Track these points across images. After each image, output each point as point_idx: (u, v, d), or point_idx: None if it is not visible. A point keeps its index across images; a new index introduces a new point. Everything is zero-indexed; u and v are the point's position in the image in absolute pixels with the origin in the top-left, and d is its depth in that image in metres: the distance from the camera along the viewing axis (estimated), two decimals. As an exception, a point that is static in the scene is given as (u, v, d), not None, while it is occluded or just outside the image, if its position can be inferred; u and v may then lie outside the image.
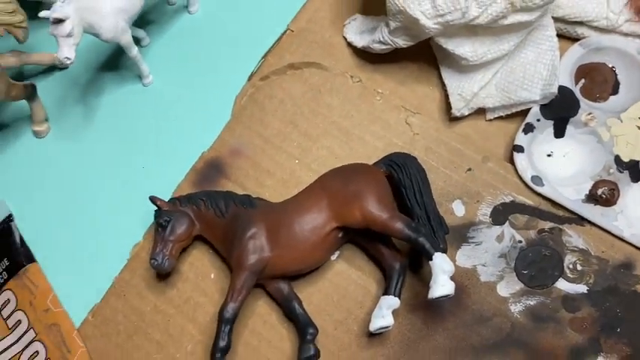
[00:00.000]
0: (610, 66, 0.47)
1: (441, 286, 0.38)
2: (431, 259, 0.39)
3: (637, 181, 0.44)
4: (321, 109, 0.50)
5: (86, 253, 0.50)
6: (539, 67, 0.45)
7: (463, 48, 0.45)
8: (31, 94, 0.52)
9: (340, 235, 0.43)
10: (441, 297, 0.38)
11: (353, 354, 0.44)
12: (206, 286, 0.47)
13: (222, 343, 0.41)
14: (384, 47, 0.48)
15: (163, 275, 0.48)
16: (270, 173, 0.49)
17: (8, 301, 0.50)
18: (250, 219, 0.44)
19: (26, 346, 0.48)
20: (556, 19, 0.47)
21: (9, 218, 0.53)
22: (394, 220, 0.40)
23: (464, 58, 0.45)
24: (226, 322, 0.41)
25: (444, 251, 0.40)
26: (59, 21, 0.43)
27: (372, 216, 0.41)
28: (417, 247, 0.40)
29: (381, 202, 0.41)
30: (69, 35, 0.44)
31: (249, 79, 0.53)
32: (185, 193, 0.48)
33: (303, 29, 0.53)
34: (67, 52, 0.44)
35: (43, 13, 0.44)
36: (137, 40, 0.55)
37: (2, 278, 0.50)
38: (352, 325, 0.45)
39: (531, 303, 0.43)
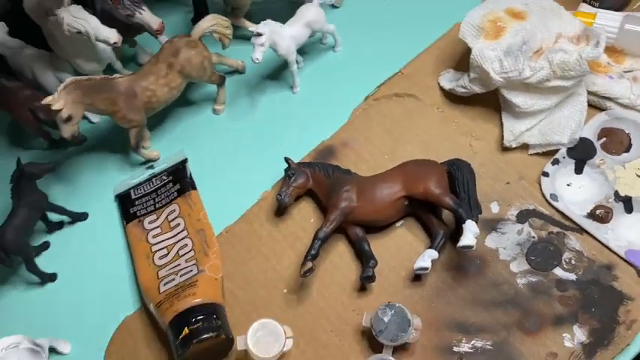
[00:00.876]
0: (627, 132, 0.64)
1: (467, 239, 0.56)
2: (464, 222, 0.57)
3: (629, 212, 0.60)
4: (411, 126, 0.71)
5: (229, 191, 0.73)
6: (570, 121, 0.63)
7: (518, 98, 0.64)
8: (221, 82, 0.77)
9: (405, 203, 0.62)
10: (466, 246, 0.56)
11: (398, 290, 0.62)
12: (306, 226, 0.67)
13: (312, 252, 0.61)
14: (464, 91, 0.68)
15: (280, 212, 0.69)
16: (366, 161, 0.70)
17: (174, 210, 0.72)
18: (347, 181, 0.64)
19: (179, 240, 0.69)
20: (591, 93, 0.65)
21: (185, 161, 0.76)
22: (445, 195, 0.59)
23: (517, 106, 0.64)
24: (318, 239, 0.61)
25: (475, 221, 0.58)
26: (259, 35, 0.68)
27: (431, 190, 0.60)
28: (457, 215, 0.58)
29: (438, 183, 0.60)
30: (261, 45, 0.69)
31: (365, 99, 0.75)
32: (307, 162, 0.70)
33: (410, 73, 0.75)
34: (258, 55, 0.68)
35: (252, 28, 0.69)
36: (296, 62, 0.79)
37: (173, 195, 0.73)
38: (401, 271, 0.63)
39: (532, 280, 0.59)
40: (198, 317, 0.60)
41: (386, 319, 0.56)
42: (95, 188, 0.77)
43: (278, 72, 0.81)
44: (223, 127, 0.79)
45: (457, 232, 0.63)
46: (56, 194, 0.76)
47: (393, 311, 0.57)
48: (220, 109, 0.79)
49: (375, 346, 0.58)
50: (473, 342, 0.58)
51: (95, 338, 0.67)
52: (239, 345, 0.59)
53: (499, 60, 0.62)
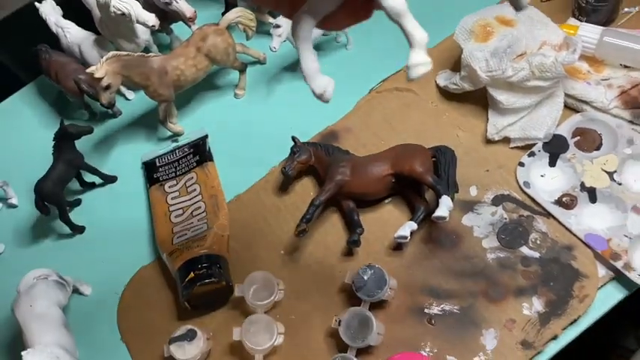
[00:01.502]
0: (598, 132, 0.71)
1: (441, 211, 0.63)
2: (440, 197, 0.65)
3: (593, 202, 0.67)
4: (407, 116, 0.79)
5: (242, 165, 0.81)
6: (547, 119, 0.70)
7: (502, 96, 0.71)
8: (243, 69, 0.86)
9: (392, 180, 0.70)
10: (439, 217, 0.64)
11: (380, 257, 0.69)
12: (306, 198, 0.75)
13: (307, 216, 0.68)
14: (455, 88, 0.76)
15: (284, 186, 0.78)
16: (364, 144, 0.78)
17: (192, 177, 0.81)
18: (344, 159, 0.72)
19: (194, 203, 0.78)
20: (569, 96, 0.72)
21: (205, 137, 0.85)
22: (427, 174, 0.67)
23: (501, 103, 0.72)
24: (313, 206, 0.69)
25: (450, 197, 0.66)
26: (277, 26, 0.77)
27: (414, 168, 0.67)
28: (435, 191, 0.66)
29: (422, 163, 0.68)
30: (279, 35, 0.78)
31: (370, 91, 0.83)
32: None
33: (412, 72, 0.83)
34: (275, 44, 0.77)
35: (273, 21, 0.78)
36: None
37: (193, 165, 0.82)
38: (384, 241, 0.70)
39: (501, 255, 0.66)
40: (204, 264, 0.68)
41: (365, 277, 0.64)
42: (125, 156, 0.87)
43: (295, 65, 0.90)
44: (242, 110, 0.88)
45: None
46: (92, 158, 0.86)
47: (372, 271, 0.64)
48: (241, 94, 0.88)
49: (355, 302, 0.65)
50: (442, 306, 0.65)
51: (113, 284, 0.76)
52: (237, 292, 0.68)
53: (486, 60, 0.70)
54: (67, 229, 0.81)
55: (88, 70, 0.73)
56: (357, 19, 0.34)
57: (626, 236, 0.63)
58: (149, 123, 0.89)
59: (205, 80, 0.86)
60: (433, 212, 0.66)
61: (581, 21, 0.77)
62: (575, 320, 0.62)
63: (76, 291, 0.75)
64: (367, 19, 0.34)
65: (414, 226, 0.67)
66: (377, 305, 0.65)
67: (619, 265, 0.62)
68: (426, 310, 0.65)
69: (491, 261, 0.66)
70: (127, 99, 0.92)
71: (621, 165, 0.68)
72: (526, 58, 0.68)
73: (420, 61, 0.32)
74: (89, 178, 0.84)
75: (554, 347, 0.61)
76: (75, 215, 0.82)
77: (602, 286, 0.63)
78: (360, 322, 0.63)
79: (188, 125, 0.87)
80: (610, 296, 0.63)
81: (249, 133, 0.85)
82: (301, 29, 0.34)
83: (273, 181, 0.79)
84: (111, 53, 0.74)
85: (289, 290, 0.69)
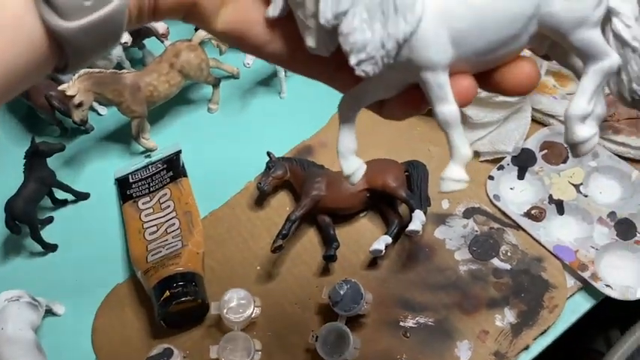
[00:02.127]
0: (565, 146, 0.73)
1: (414, 225, 0.65)
2: (413, 211, 0.66)
3: (560, 214, 0.69)
4: (381, 131, 0.80)
5: (217, 180, 0.81)
6: (515, 133, 0.72)
7: (470, 111, 0.73)
8: (216, 84, 0.86)
9: (367, 195, 0.71)
10: (413, 231, 0.65)
11: (355, 271, 0.70)
12: (282, 213, 0.76)
13: (283, 232, 0.69)
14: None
15: (259, 201, 0.78)
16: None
17: (166, 194, 0.81)
18: (319, 174, 0.73)
19: (168, 220, 0.77)
20: (536, 110, 0.74)
21: (179, 152, 0.85)
22: (400, 188, 0.68)
23: (470, 117, 0.73)
24: (289, 221, 0.69)
25: (424, 212, 0.67)
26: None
27: (388, 183, 0.69)
28: (408, 205, 0.67)
29: (395, 178, 0.69)
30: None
31: (343, 106, 0.84)
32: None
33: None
34: (249, 60, 0.78)
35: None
36: (284, 70, 0.88)
37: (166, 181, 0.82)
38: (360, 255, 0.71)
39: (473, 267, 0.68)
40: (179, 283, 0.68)
41: (342, 292, 0.65)
42: (98, 172, 0.86)
43: (268, 79, 0.90)
44: (216, 124, 0.88)
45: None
46: (64, 174, 0.85)
47: (348, 285, 0.65)
48: (214, 108, 0.88)
49: (333, 317, 0.66)
50: (417, 318, 0.66)
51: (87, 303, 0.75)
52: (213, 310, 0.68)
53: (455, 76, 0.71)
54: (39, 248, 0.80)
55: (59, 88, 0.73)
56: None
57: (593, 247, 0.65)
58: (122, 138, 0.88)
59: (179, 95, 0.86)
60: (407, 225, 0.67)
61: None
62: (545, 330, 0.64)
63: (49, 311, 0.74)
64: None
65: (388, 239, 0.68)
66: (354, 320, 0.66)
67: (586, 275, 0.64)
68: (401, 323, 0.66)
69: (464, 273, 0.68)
70: (99, 114, 0.91)
71: (587, 178, 0.70)
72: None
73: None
74: (61, 195, 0.83)
75: (526, 357, 0.63)
76: (47, 233, 0.81)
77: (570, 296, 0.65)
78: (336, 337, 0.63)
79: (161, 140, 0.87)
80: (578, 306, 0.65)
81: (223, 148, 0.85)
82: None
83: (249, 196, 0.79)
84: (83, 70, 0.73)
85: (266, 306, 0.69)
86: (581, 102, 0.29)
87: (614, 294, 0.63)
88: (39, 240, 0.78)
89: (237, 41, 0.31)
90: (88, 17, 0.26)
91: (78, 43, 0.27)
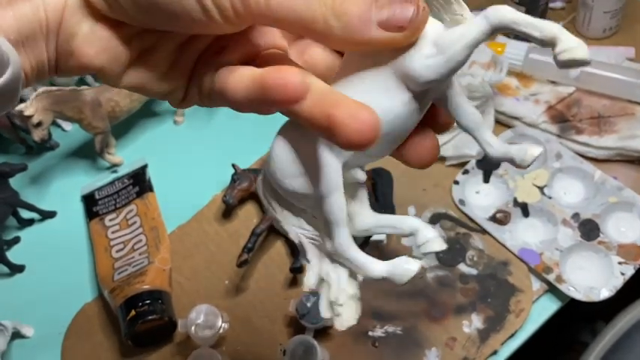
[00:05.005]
0: (529, 147, 0.73)
1: (379, 235, 0.65)
2: (377, 221, 0.66)
3: (525, 217, 0.69)
4: (346, 139, 0.80)
5: (183, 194, 0.81)
6: (479, 136, 0.72)
7: (435, 116, 0.73)
8: (180, 96, 0.85)
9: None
10: (378, 241, 0.65)
11: (325, 282, 0.70)
12: (250, 225, 0.75)
13: (249, 245, 0.68)
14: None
15: (226, 213, 0.77)
16: (305, 169, 0.78)
17: (132, 210, 0.80)
18: (284, 185, 0.73)
19: (135, 236, 0.77)
20: (499, 112, 0.74)
21: (145, 166, 0.84)
22: (364, 198, 0.68)
23: (434, 122, 0.73)
24: (254, 235, 0.69)
25: (388, 221, 0.66)
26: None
27: (352, 193, 0.68)
28: (373, 214, 0.67)
29: (360, 187, 0.69)
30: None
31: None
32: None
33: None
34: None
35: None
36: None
37: (133, 197, 0.81)
38: (329, 265, 0.71)
39: (440, 274, 0.68)
40: (145, 301, 0.67)
41: (309, 305, 0.64)
42: (64, 190, 0.85)
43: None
44: (182, 137, 0.87)
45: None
46: (29, 194, 0.84)
47: (315, 298, 0.65)
48: (180, 121, 0.87)
49: (301, 330, 0.65)
50: (385, 328, 0.66)
51: (56, 323, 0.74)
52: (180, 327, 0.67)
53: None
54: (5, 270, 0.78)
55: (17, 109, 0.71)
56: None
57: (557, 249, 0.66)
58: (88, 154, 0.87)
59: (144, 107, 0.85)
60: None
61: (508, 37, 0.79)
62: (512, 334, 0.64)
63: (16, 334, 0.73)
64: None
65: (355, 250, 0.68)
66: (322, 332, 0.66)
67: (551, 278, 0.64)
68: (369, 333, 0.66)
69: (431, 280, 0.68)
70: (64, 130, 0.90)
71: (551, 179, 0.70)
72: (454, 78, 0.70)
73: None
74: (27, 214, 0.82)
75: (494, 362, 0.63)
76: (13, 254, 0.79)
77: (536, 299, 0.65)
78: (304, 350, 0.63)
79: (128, 154, 0.86)
80: (545, 308, 0.65)
81: (189, 161, 0.84)
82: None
83: (216, 209, 0.78)
84: (41, 89, 0.72)
85: (235, 321, 0.69)
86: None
87: (578, 296, 0.63)
88: (5, 262, 0.77)
89: (140, 92, 0.33)
90: None
91: None
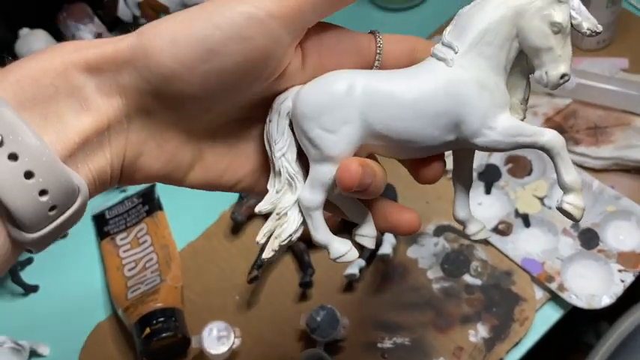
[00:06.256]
0: (529, 159, 0.75)
1: (385, 248, 0.66)
2: (383, 234, 0.68)
3: (527, 227, 0.71)
4: (349, 154, 0.82)
5: (192, 211, 0.82)
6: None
7: (436, 130, 0.75)
8: (186, 116, 0.88)
9: (338, 220, 0.72)
10: (384, 255, 0.66)
11: (333, 295, 0.72)
12: (257, 241, 0.77)
13: (258, 263, 0.70)
14: (393, 124, 0.79)
15: (235, 230, 0.79)
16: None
17: (142, 228, 0.82)
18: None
19: (146, 255, 0.79)
20: (498, 125, 0.76)
21: (153, 186, 0.86)
22: (370, 213, 0.70)
23: (436, 137, 0.75)
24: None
25: (393, 234, 0.68)
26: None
27: (358, 208, 0.70)
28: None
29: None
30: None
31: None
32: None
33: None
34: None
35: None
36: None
37: (143, 216, 0.83)
38: (336, 279, 0.73)
39: (445, 285, 0.70)
40: (159, 319, 0.69)
41: (318, 319, 0.66)
42: (74, 210, 0.87)
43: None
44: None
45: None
46: (39, 215, 0.85)
47: (324, 312, 0.66)
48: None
49: (312, 343, 0.67)
50: (394, 339, 0.68)
51: (71, 342, 0.76)
52: (194, 344, 0.69)
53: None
54: (20, 290, 0.80)
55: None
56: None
57: (558, 258, 0.67)
58: (96, 174, 0.89)
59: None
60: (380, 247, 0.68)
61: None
62: (517, 343, 0.65)
63: (33, 353, 0.75)
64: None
65: (362, 263, 0.70)
66: (332, 345, 0.68)
67: (553, 286, 0.66)
68: (379, 345, 0.68)
69: (437, 291, 0.69)
70: (72, 151, 0.92)
71: (550, 190, 0.72)
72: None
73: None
74: (39, 235, 0.83)
75: (500, 370, 0.65)
76: (27, 274, 0.81)
77: (540, 307, 0.67)
78: (316, 363, 0.65)
79: (136, 174, 0.88)
80: (548, 316, 0.67)
81: (197, 179, 0.86)
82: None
83: (225, 225, 0.80)
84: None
85: (246, 336, 0.70)
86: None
87: (580, 303, 0.65)
88: (19, 282, 0.79)
89: (208, 189, 0.37)
90: (51, 225, 0.29)
91: (41, 245, 0.29)
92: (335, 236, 0.36)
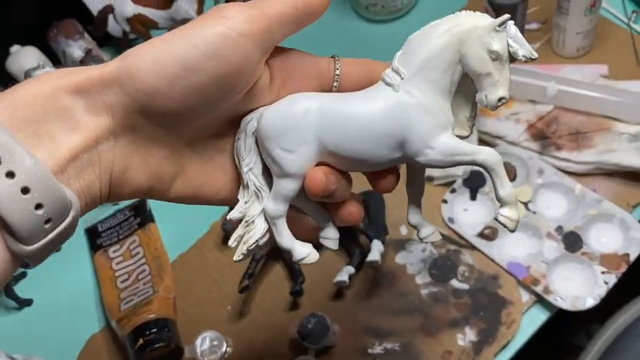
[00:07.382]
0: (512, 165, 0.77)
1: (373, 255, 0.68)
2: (371, 241, 0.69)
3: (512, 231, 0.72)
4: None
5: (184, 222, 0.83)
6: (465, 157, 0.76)
7: (421, 138, 0.77)
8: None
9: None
10: (372, 261, 0.68)
11: (323, 303, 0.73)
12: (248, 251, 0.78)
13: (249, 271, 0.71)
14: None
15: (226, 240, 0.80)
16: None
17: (135, 241, 0.83)
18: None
19: (139, 267, 0.79)
20: (482, 132, 0.78)
21: (145, 198, 0.88)
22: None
23: (421, 145, 0.77)
24: (254, 261, 0.72)
25: (381, 241, 0.70)
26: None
27: (346, 217, 0.72)
28: (367, 236, 0.70)
29: (353, 211, 0.72)
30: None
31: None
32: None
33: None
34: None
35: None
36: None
37: (135, 228, 0.84)
38: (327, 287, 0.74)
39: (434, 290, 0.71)
40: (152, 330, 0.70)
41: (310, 326, 0.67)
42: (67, 223, 0.88)
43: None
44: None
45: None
46: (32, 229, 0.86)
47: (315, 319, 0.67)
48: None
49: (303, 351, 0.68)
50: (384, 344, 0.69)
51: (66, 354, 0.77)
52: (187, 354, 0.70)
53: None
54: (13, 304, 0.81)
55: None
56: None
57: (543, 262, 0.69)
58: (88, 188, 0.90)
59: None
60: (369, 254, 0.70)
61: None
62: (505, 345, 0.67)
63: (28, 366, 0.76)
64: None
65: (351, 270, 0.71)
66: (324, 352, 0.69)
67: (539, 289, 0.67)
68: (369, 351, 0.69)
69: (425, 296, 0.71)
70: (64, 165, 0.93)
71: (534, 194, 0.73)
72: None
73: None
74: (32, 249, 0.84)
75: (489, 373, 0.66)
76: (20, 288, 0.82)
77: (526, 310, 0.68)
78: (307, 370, 0.66)
79: (128, 187, 0.89)
80: (535, 319, 0.68)
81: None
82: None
83: (216, 236, 0.81)
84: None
85: (239, 345, 0.71)
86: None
87: (565, 305, 0.66)
88: (13, 296, 0.80)
89: (189, 202, 0.39)
90: (47, 237, 0.31)
91: (37, 257, 0.31)
92: (297, 241, 0.39)
